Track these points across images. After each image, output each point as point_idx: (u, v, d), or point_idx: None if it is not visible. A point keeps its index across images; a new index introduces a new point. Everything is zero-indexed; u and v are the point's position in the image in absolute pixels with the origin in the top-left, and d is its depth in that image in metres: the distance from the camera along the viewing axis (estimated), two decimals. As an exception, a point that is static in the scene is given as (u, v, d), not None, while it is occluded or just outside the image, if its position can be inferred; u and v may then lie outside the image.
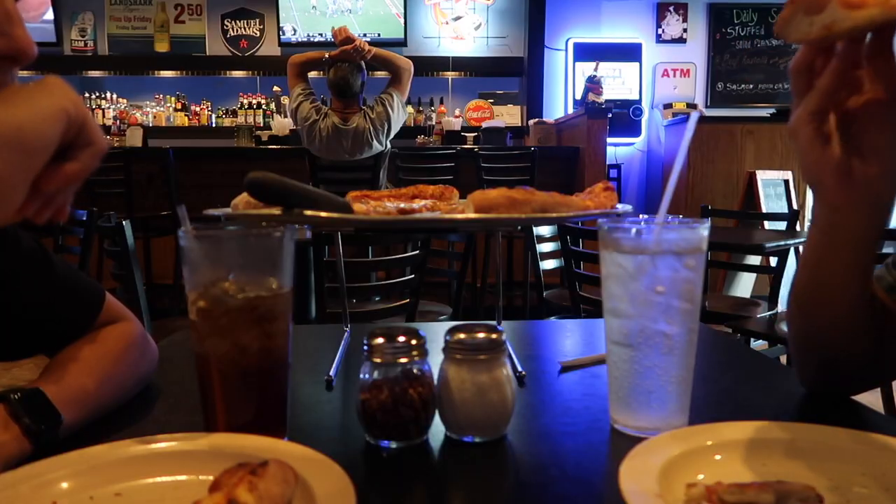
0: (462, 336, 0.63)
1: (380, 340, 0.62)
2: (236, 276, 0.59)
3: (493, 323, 0.67)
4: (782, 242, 2.63)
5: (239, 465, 0.46)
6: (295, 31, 6.40)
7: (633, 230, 0.63)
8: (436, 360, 0.65)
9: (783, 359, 2.53)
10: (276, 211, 0.63)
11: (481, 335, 0.63)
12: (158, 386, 0.80)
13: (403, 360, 0.62)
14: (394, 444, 0.62)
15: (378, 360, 0.62)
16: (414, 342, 0.62)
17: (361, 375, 0.63)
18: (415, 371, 0.62)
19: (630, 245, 0.63)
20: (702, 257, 0.63)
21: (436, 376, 0.64)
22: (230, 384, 0.59)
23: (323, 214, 0.61)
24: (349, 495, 0.47)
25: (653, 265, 0.62)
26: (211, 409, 0.60)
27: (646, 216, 0.65)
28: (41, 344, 0.74)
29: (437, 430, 0.65)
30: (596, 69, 6.17)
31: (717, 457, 0.56)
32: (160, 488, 0.52)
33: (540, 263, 2.59)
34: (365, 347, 0.62)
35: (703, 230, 0.63)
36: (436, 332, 0.72)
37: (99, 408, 0.68)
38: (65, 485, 0.50)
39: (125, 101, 6.81)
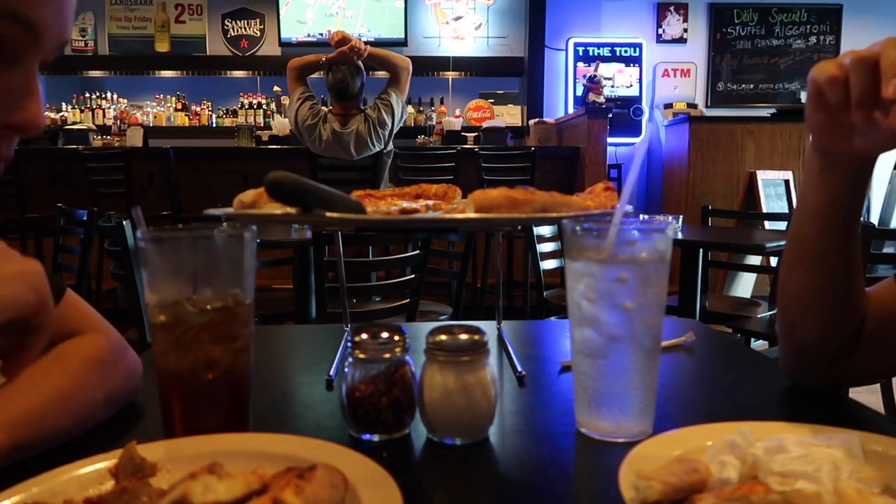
0: (443, 338, 0.63)
1: (363, 336, 0.63)
2: (196, 282, 0.57)
3: (478, 324, 0.66)
4: (782, 242, 2.61)
5: (288, 469, 0.46)
6: (296, 30, 6.40)
7: (595, 235, 0.61)
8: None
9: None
10: (277, 211, 0.63)
11: (463, 336, 0.62)
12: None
13: (386, 355, 0.63)
14: (376, 438, 0.63)
15: (361, 356, 0.63)
16: (397, 338, 0.63)
17: (345, 370, 0.64)
18: (394, 368, 0.63)
19: (592, 252, 0.61)
20: (666, 262, 0.61)
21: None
22: (189, 393, 0.58)
23: (328, 215, 0.61)
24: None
25: (614, 271, 0.60)
26: (168, 415, 0.59)
27: (611, 218, 0.63)
28: None
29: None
30: (596, 69, 6.17)
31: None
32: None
33: (540, 263, 2.59)
34: (348, 344, 0.63)
35: (669, 233, 0.61)
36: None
37: (52, 430, 0.60)
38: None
39: (125, 101, 6.81)
